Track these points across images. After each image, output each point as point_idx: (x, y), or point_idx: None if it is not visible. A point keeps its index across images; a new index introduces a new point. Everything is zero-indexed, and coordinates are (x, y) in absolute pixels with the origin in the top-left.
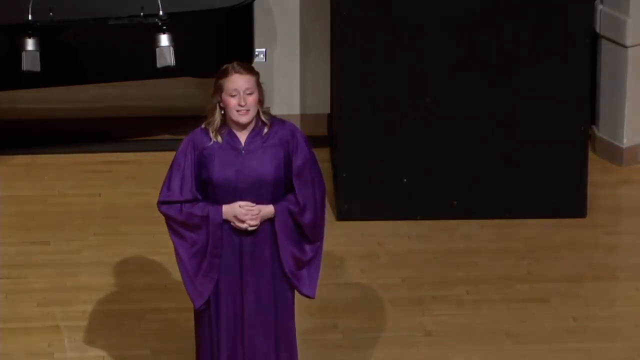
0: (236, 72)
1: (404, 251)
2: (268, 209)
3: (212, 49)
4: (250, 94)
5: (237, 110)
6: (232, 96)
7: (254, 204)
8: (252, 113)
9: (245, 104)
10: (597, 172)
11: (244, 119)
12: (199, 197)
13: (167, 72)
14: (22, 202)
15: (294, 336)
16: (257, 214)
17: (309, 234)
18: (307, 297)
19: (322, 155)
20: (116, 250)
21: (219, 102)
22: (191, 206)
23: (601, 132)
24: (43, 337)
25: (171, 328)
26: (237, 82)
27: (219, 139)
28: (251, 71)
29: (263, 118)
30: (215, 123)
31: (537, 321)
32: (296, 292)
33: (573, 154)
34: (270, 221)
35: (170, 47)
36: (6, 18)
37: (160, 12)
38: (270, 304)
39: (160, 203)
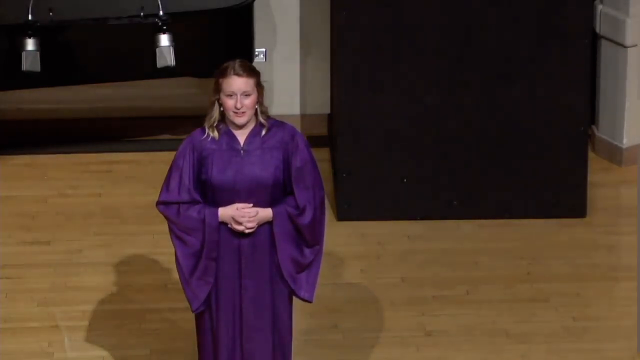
0: (235, 73)
1: (404, 251)
2: (266, 212)
3: (212, 49)
4: (247, 95)
5: (234, 112)
6: (229, 97)
7: (251, 206)
8: (249, 114)
9: (242, 106)
10: (597, 172)
11: (239, 121)
12: (198, 198)
13: (167, 72)
14: (22, 202)
15: (290, 337)
16: (254, 216)
17: (307, 237)
18: (305, 301)
19: (322, 155)
20: (116, 250)
21: (217, 100)
22: (187, 208)
23: (601, 132)
24: (43, 337)
25: (171, 328)
26: (235, 84)
27: (216, 134)
28: (251, 73)
29: (261, 119)
30: (213, 119)
31: (537, 321)
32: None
33: (573, 154)
34: (268, 224)
35: (170, 47)
36: (6, 18)
37: (160, 12)
38: (268, 307)
39: (159, 204)
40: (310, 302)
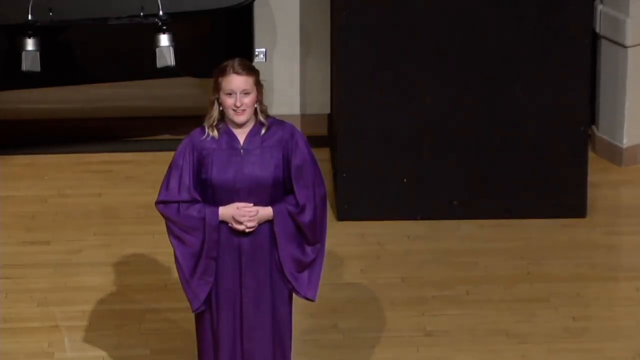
0: (234, 72)
1: (404, 251)
2: (266, 211)
3: (212, 49)
4: (247, 94)
5: (233, 110)
6: (229, 96)
7: (252, 205)
8: (249, 113)
9: (241, 104)
10: (597, 172)
11: (239, 119)
12: (197, 197)
13: (167, 72)
14: (22, 202)
15: (289, 336)
16: (254, 215)
17: (308, 235)
18: (308, 299)
19: (322, 155)
20: (116, 250)
21: (217, 99)
22: (188, 207)
23: (601, 132)
24: (43, 337)
25: (171, 328)
26: (234, 82)
27: (215, 133)
28: (250, 71)
29: (261, 118)
30: (213, 118)
31: (537, 321)
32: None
33: (573, 154)
34: (269, 223)
35: (170, 47)
36: (6, 18)
37: (160, 12)
38: (268, 306)
39: (158, 203)
40: (313, 300)
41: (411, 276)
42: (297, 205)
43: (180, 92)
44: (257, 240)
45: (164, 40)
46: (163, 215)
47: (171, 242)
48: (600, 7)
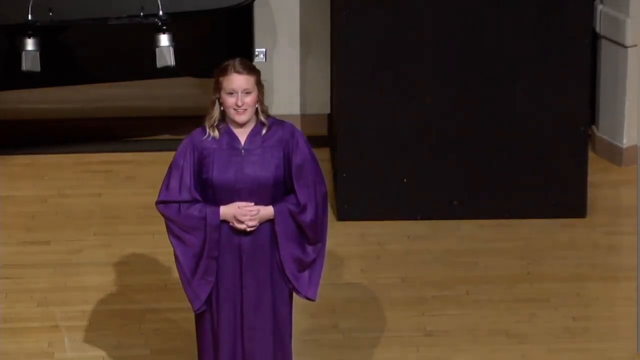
0: (235, 71)
1: (404, 251)
2: (267, 210)
3: (212, 49)
4: (248, 93)
5: (235, 110)
6: (230, 95)
7: (253, 204)
8: (250, 112)
9: (243, 104)
10: (597, 172)
11: (240, 119)
12: (198, 197)
13: (167, 72)
14: (22, 202)
15: (289, 336)
16: (255, 215)
17: (309, 234)
18: (308, 299)
19: (322, 155)
20: (116, 250)
21: (217, 99)
22: (188, 207)
23: (601, 132)
24: (43, 337)
25: (171, 328)
26: (236, 81)
27: (216, 133)
28: (251, 70)
29: (262, 118)
30: (214, 118)
31: (537, 321)
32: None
33: (573, 154)
34: (270, 222)
35: (170, 47)
36: (6, 18)
37: (160, 12)
38: (268, 306)
39: (159, 203)
40: (313, 300)
41: (411, 276)
42: (298, 204)
43: (180, 92)
44: (257, 239)
45: (164, 40)
46: (163, 215)
47: (171, 242)
48: (600, 7)
